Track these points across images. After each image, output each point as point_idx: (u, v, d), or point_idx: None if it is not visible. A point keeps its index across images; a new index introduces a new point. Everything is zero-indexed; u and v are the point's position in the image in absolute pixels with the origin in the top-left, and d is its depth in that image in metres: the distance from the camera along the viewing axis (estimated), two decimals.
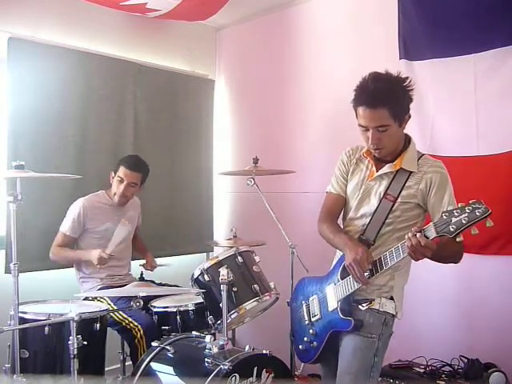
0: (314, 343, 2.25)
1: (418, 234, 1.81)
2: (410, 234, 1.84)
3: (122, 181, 3.14)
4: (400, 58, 3.15)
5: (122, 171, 3.13)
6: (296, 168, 3.36)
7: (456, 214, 1.73)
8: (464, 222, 1.71)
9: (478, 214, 1.70)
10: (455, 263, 2.04)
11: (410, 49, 3.13)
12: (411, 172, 2.07)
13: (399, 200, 2.06)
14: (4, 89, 3.14)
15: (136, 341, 2.78)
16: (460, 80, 2.93)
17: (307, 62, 3.80)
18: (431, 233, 1.79)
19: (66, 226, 3.09)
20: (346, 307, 2.12)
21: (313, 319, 2.27)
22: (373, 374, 2.07)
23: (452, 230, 1.73)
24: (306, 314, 2.31)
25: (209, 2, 3.60)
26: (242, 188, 3.52)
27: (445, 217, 1.75)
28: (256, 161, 3.14)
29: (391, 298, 2.11)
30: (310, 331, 2.26)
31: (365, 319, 2.08)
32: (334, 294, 2.17)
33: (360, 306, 2.10)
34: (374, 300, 2.09)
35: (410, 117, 2.06)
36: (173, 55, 4.08)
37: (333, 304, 2.17)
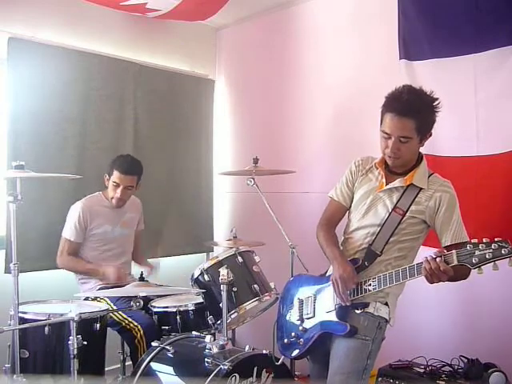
0: (301, 340, 2.26)
1: (438, 259, 1.88)
2: (429, 257, 1.90)
3: (117, 185, 3.10)
4: (400, 58, 3.15)
5: (116, 176, 3.08)
6: (296, 168, 3.36)
7: (481, 247, 1.80)
8: (488, 257, 1.79)
9: (503, 252, 1.77)
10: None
11: (410, 49, 3.12)
12: (421, 189, 2.12)
13: (408, 214, 2.11)
14: (4, 89, 3.14)
15: (136, 341, 2.77)
16: (460, 80, 2.93)
17: (307, 62, 3.80)
18: (452, 260, 1.85)
19: (69, 232, 3.07)
20: (343, 312, 2.15)
21: (304, 316, 2.28)
22: (364, 377, 2.10)
23: (474, 261, 1.81)
24: (297, 310, 2.32)
25: (209, 1, 3.60)
26: (242, 188, 3.52)
27: (469, 248, 1.82)
28: (256, 161, 3.13)
29: (386, 304, 2.15)
30: (300, 328, 2.27)
31: (359, 322, 2.12)
32: (332, 296, 2.19)
33: (356, 310, 2.14)
34: (369, 304, 2.13)
35: (431, 135, 2.12)
36: (173, 55, 4.08)
37: (330, 306, 2.19)
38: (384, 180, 2.18)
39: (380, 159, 2.22)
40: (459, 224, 2.08)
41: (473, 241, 1.84)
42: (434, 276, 1.88)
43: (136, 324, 2.80)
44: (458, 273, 1.92)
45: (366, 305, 2.13)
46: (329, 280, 2.23)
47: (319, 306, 2.24)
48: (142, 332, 2.77)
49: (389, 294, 2.15)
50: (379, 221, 2.15)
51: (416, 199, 2.11)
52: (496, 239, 1.80)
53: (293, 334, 2.30)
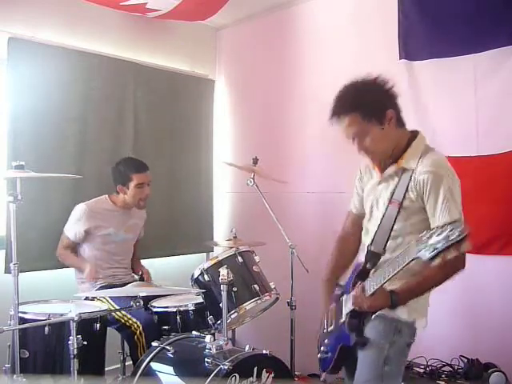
0: (329, 354, 2.10)
1: (360, 285, 1.85)
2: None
3: (142, 185, 3.14)
4: (400, 58, 3.15)
5: (138, 177, 3.12)
6: (296, 168, 3.36)
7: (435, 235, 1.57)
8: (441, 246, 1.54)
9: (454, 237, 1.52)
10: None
11: (410, 49, 3.13)
12: (413, 171, 1.91)
13: (404, 203, 1.92)
14: (4, 89, 3.14)
15: (135, 337, 2.78)
16: (460, 80, 2.93)
17: (307, 62, 3.80)
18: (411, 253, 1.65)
19: (68, 231, 3.10)
20: (355, 321, 1.96)
21: (329, 329, 2.13)
22: None
23: (429, 255, 1.57)
24: (325, 322, 2.17)
25: (209, 1, 3.61)
26: (242, 188, 3.52)
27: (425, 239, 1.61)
28: (256, 161, 3.14)
29: None
30: (326, 341, 2.13)
31: (375, 326, 1.94)
32: (344, 305, 2.03)
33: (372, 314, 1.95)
34: None
35: (393, 113, 1.92)
36: (173, 55, 4.08)
37: (343, 316, 2.03)
38: (379, 173, 2.03)
39: None
40: (446, 205, 1.83)
41: (441, 214, 1.77)
42: (355, 303, 1.87)
43: (135, 320, 2.81)
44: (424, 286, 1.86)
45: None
46: (346, 287, 2.10)
47: (338, 316, 2.08)
48: (141, 328, 2.77)
49: None
50: (381, 215, 1.99)
51: (410, 185, 1.89)
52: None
53: (322, 348, 2.15)
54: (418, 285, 1.88)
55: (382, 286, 1.81)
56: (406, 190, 1.90)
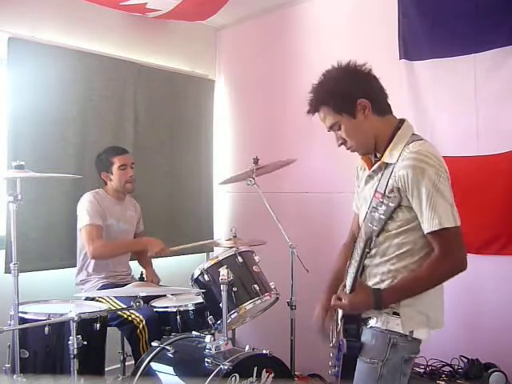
0: (336, 368, 1.88)
1: (342, 284, 1.80)
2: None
3: (125, 167, 3.20)
4: (400, 58, 3.15)
5: (119, 160, 3.19)
6: (296, 168, 3.35)
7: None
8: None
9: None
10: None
11: (410, 49, 3.13)
12: (394, 165, 1.74)
13: (385, 197, 1.69)
14: (4, 89, 3.14)
15: (138, 331, 2.78)
16: (460, 80, 2.93)
17: (307, 62, 3.80)
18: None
19: (91, 218, 3.04)
20: (353, 327, 1.78)
21: (333, 340, 1.93)
22: None
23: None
24: (330, 334, 1.96)
25: (209, 2, 3.61)
26: (242, 188, 3.52)
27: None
28: (256, 161, 3.13)
29: (395, 314, 1.72)
30: (331, 355, 1.94)
31: (368, 340, 1.76)
32: (341, 311, 1.87)
33: (365, 325, 1.79)
34: (376, 317, 1.76)
35: (365, 102, 1.79)
36: (173, 55, 4.08)
37: (338, 323, 1.89)
38: (367, 170, 1.89)
39: None
40: (432, 201, 1.64)
41: (427, 212, 1.66)
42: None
43: (137, 315, 2.81)
44: (412, 287, 1.70)
45: (375, 318, 1.76)
46: None
47: (337, 324, 1.92)
48: (144, 322, 2.78)
49: (399, 303, 1.72)
50: (366, 210, 1.82)
51: (391, 181, 1.72)
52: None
53: (330, 362, 1.95)
54: (403, 286, 1.71)
55: (356, 277, 1.70)
56: (387, 185, 1.73)
